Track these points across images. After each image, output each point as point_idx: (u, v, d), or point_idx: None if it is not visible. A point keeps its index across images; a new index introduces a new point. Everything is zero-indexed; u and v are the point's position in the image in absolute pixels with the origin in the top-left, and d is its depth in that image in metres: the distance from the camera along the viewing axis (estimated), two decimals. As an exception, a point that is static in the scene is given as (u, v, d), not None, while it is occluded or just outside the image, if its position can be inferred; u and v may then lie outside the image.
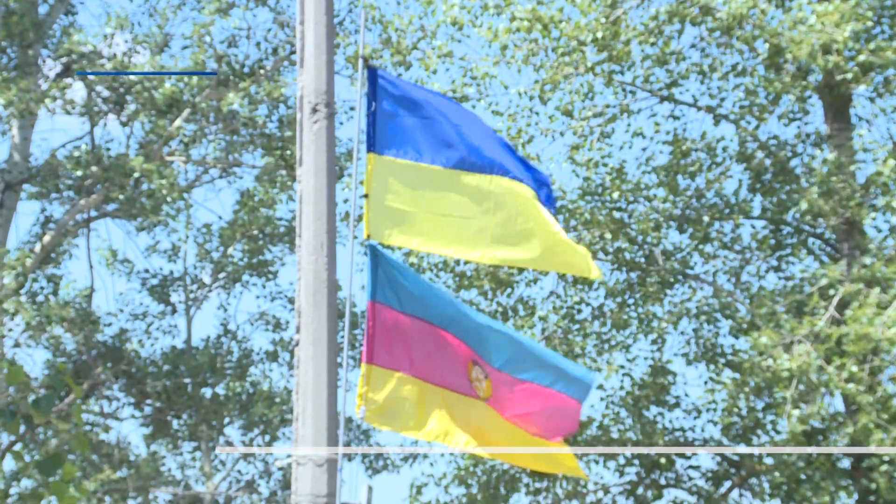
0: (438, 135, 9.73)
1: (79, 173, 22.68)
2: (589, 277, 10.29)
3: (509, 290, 20.19)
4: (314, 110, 9.27)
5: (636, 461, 20.44)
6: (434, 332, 9.57)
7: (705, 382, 20.04)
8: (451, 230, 9.70)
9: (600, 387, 20.43)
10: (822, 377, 17.23)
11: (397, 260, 9.85)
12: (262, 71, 23.72)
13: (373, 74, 9.75)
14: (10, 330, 21.69)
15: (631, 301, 20.21)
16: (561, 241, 9.78)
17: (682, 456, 20.55)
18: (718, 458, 20.49)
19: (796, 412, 17.44)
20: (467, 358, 9.64)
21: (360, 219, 9.73)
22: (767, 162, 19.75)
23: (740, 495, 20.50)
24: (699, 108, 20.00)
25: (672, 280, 20.08)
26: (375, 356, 9.37)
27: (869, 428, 16.97)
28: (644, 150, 20.41)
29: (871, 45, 18.08)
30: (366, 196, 9.54)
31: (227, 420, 26.95)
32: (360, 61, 9.70)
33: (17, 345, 22.40)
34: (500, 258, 9.89)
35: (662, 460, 20.08)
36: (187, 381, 25.15)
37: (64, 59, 23.07)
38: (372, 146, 9.64)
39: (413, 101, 9.75)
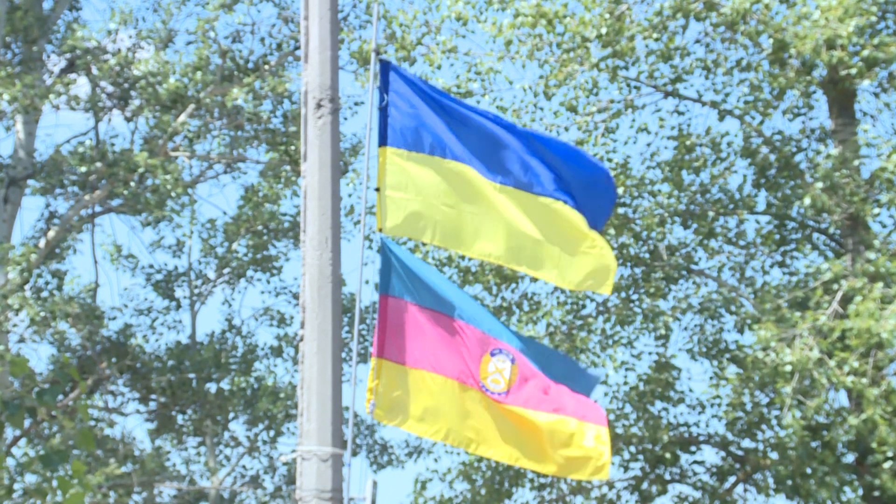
0: (449, 130, 9.73)
1: (83, 169, 22.68)
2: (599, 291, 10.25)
3: (514, 285, 20.20)
4: (318, 105, 9.27)
5: (641, 456, 20.46)
6: (451, 323, 9.54)
7: (710, 378, 20.06)
8: (462, 225, 9.70)
9: (605, 382, 20.46)
10: (825, 371, 17.22)
11: (410, 253, 9.85)
12: (266, 66, 23.73)
13: (384, 68, 9.75)
14: (15, 325, 21.69)
15: (635, 296, 20.22)
16: (569, 255, 9.79)
17: (686, 451, 20.57)
18: (723, 454, 20.51)
19: (797, 411, 17.45)
20: (486, 349, 9.59)
21: (369, 212, 9.72)
22: (772, 157, 19.75)
23: (745, 490, 20.51)
24: (704, 104, 19.99)
25: (676, 275, 20.09)
26: (386, 350, 9.36)
27: (874, 421, 16.97)
28: (649, 145, 20.42)
29: (875, 41, 18.07)
30: (377, 190, 9.55)
31: (231, 415, 26.98)
32: (373, 55, 9.71)
33: (21, 340, 22.41)
34: (509, 261, 9.88)
35: (667, 455, 20.09)
36: (192, 376, 25.17)
37: (68, 55, 23.08)
38: (383, 140, 9.65)
39: (424, 95, 9.75)
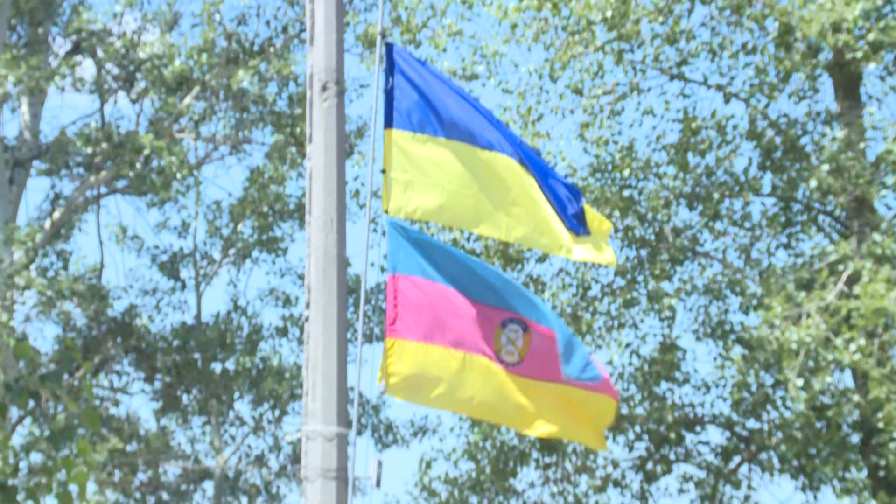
0: (455, 111, 9.76)
1: (89, 150, 22.74)
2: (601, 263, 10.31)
3: (519, 266, 20.22)
4: (324, 88, 9.30)
5: (645, 436, 20.51)
6: (463, 298, 9.58)
7: (715, 359, 20.09)
8: (470, 204, 9.73)
9: (610, 363, 20.50)
10: (830, 349, 17.24)
11: (417, 231, 9.88)
12: (271, 49, 23.75)
13: (390, 51, 9.77)
14: (24, 303, 21.77)
15: (640, 278, 20.24)
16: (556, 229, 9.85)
17: (691, 431, 20.62)
18: (728, 434, 20.56)
19: (800, 381, 17.42)
20: (496, 323, 9.63)
21: (375, 194, 9.75)
22: (777, 140, 19.75)
23: (750, 470, 20.57)
24: (709, 87, 19.99)
25: (682, 257, 20.11)
26: (398, 329, 9.40)
27: (880, 399, 16.97)
28: (654, 128, 20.41)
29: (881, 24, 18.05)
30: (383, 171, 9.58)
31: (236, 395, 27.06)
32: (379, 38, 9.71)
33: (27, 319, 22.47)
34: (518, 237, 9.91)
35: (672, 435, 20.14)
36: (197, 356, 25.24)
37: (74, 37, 23.12)
38: (389, 122, 9.67)
39: (429, 77, 9.77)
